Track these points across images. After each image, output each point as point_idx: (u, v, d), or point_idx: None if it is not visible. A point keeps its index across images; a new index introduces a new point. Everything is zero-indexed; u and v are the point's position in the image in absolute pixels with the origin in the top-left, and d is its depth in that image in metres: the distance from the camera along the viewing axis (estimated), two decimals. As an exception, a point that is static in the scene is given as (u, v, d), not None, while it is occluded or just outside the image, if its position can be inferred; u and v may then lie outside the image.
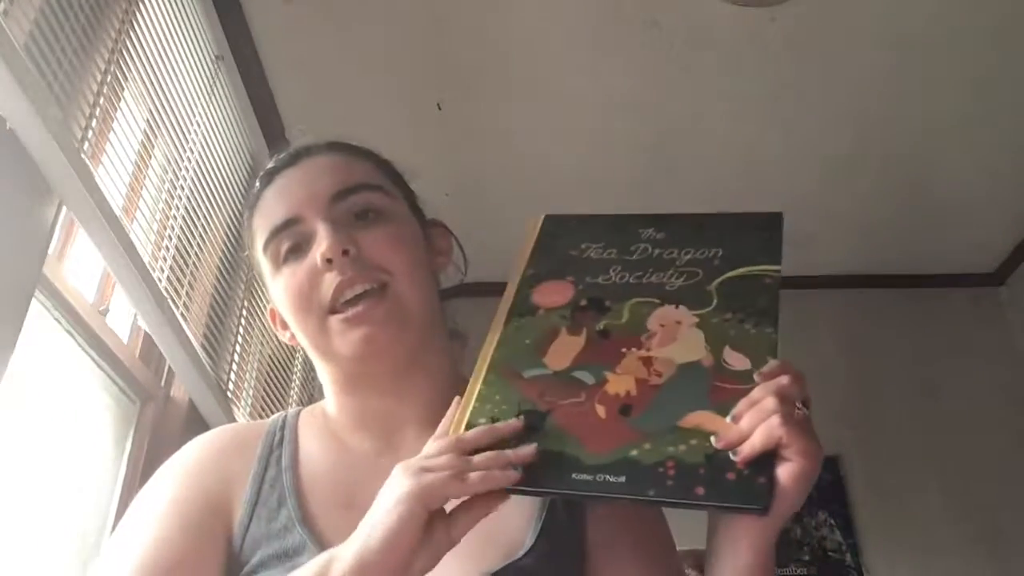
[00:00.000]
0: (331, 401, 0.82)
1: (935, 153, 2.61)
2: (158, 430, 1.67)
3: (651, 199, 2.72)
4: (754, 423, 0.57)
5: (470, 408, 0.66)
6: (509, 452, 0.60)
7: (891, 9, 2.13)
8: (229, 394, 1.84)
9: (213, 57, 1.95)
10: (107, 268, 1.43)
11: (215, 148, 1.89)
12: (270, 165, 0.83)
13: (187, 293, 1.65)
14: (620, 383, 0.64)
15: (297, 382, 2.35)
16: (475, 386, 0.68)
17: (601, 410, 0.63)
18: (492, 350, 0.70)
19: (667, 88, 2.34)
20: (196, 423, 1.72)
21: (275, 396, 2.15)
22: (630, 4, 2.10)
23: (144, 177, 1.62)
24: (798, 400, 0.59)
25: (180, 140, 1.70)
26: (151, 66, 1.56)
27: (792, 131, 2.50)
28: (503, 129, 2.47)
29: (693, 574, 1.89)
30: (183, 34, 1.75)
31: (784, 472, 0.56)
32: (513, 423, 0.63)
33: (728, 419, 0.59)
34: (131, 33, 1.48)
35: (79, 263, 1.48)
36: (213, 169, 1.87)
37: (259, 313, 2.09)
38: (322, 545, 0.67)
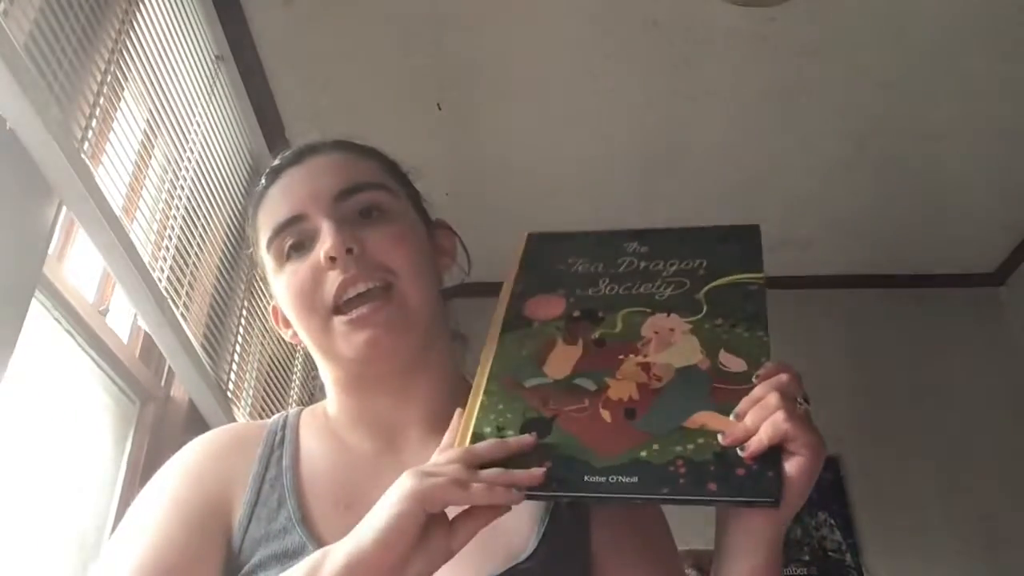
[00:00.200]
0: (332, 401, 0.81)
1: (935, 153, 2.61)
2: (158, 430, 1.67)
3: (651, 199, 2.74)
4: (758, 420, 0.59)
5: (474, 419, 0.66)
6: (518, 473, 0.60)
7: (891, 9, 2.13)
8: (229, 394, 1.84)
9: (213, 57, 1.95)
10: (107, 268, 1.43)
11: (215, 148, 1.89)
12: (275, 163, 0.83)
13: (187, 293, 1.65)
14: (622, 388, 0.65)
15: (297, 382, 2.35)
16: (476, 398, 0.68)
17: (606, 415, 0.64)
18: (490, 363, 0.70)
19: (667, 88, 2.34)
20: (196, 423, 1.72)
21: (275, 396, 2.15)
22: (630, 4, 2.10)
23: (144, 177, 1.62)
24: (798, 396, 0.60)
25: (180, 140, 1.70)
26: (151, 66, 1.56)
27: (792, 131, 2.50)
28: (503, 129, 2.47)
29: (693, 574, 1.89)
30: (183, 34, 1.75)
31: (792, 465, 0.58)
32: (525, 439, 0.63)
33: (731, 417, 0.60)
34: (131, 33, 1.48)
35: (79, 263, 1.48)
36: (213, 169, 1.87)
37: (259, 313, 2.09)
38: (321, 546, 0.67)
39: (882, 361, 3.02)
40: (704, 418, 0.61)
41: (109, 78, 1.39)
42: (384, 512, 0.58)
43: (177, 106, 1.69)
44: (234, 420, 1.81)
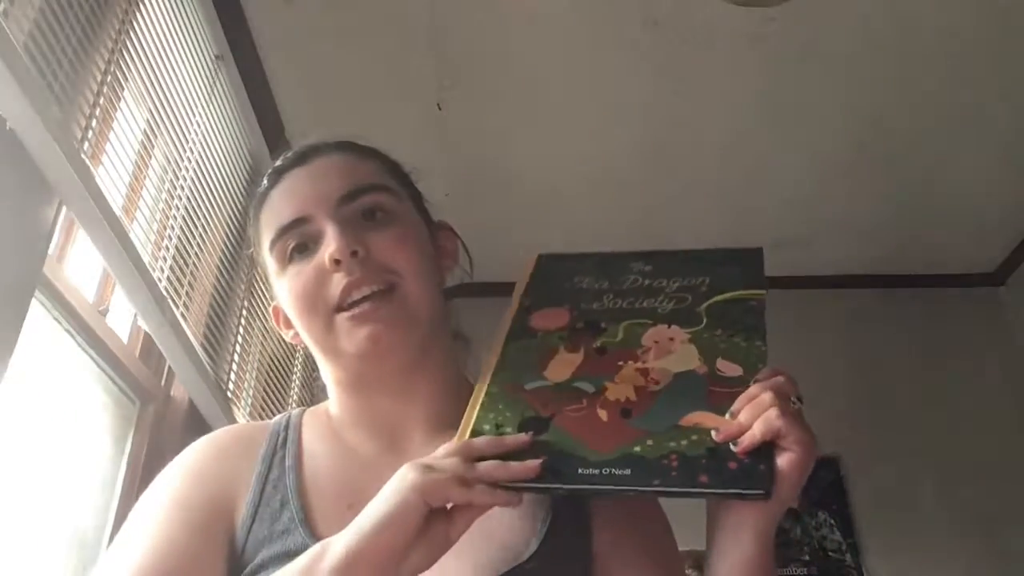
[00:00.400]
0: (335, 401, 0.82)
1: (935, 153, 2.61)
2: (158, 430, 1.67)
3: (651, 199, 2.74)
4: (752, 416, 0.60)
5: (474, 417, 0.67)
6: (514, 465, 0.61)
7: (891, 10, 2.13)
8: (229, 394, 1.84)
9: (213, 57, 1.95)
10: (107, 268, 1.43)
11: (215, 148, 1.89)
12: (277, 163, 0.83)
13: (187, 293, 1.65)
14: (619, 390, 0.67)
15: (297, 382, 2.35)
16: (478, 398, 0.69)
17: (603, 414, 0.65)
18: (492, 368, 0.72)
19: (667, 88, 2.34)
20: (196, 423, 1.72)
21: (275, 396, 2.15)
22: (630, 4, 2.10)
23: (144, 177, 1.62)
24: (792, 396, 0.62)
25: (180, 140, 1.70)
26: (151, 66, 1.56)
27: (792, 131, 2.50)
28: (503, 129, 2.47)
29: (693, 574, 1.89)
30: (183, 34, 1.75)
31: (784, 460, 0.59)
32: (521, 437, 0.64)
33: (727, 416, 0.62)
34: (131, 33, 1.48)
35: (79, 263, 1.48)
36: (213, 169, 1.87)
37: (259, 313, 2.09)
38: (324, 546, 0.67)
39: (882, 361, 3.02)
40: (699, 417, 0.63)
41: (109, 78, 1.39)
42: (386, 502, 0.58)
43: (177, 106, 1.69)
44: (234, 420, 1.81)
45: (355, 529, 0.59)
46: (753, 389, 0.62)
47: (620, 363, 0.69)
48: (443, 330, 0.81)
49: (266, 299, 2.08)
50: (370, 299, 0.73)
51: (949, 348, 3.03)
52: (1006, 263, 3.09)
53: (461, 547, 0.61)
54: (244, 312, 2.02)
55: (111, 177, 1.37)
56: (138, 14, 1.53)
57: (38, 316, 1.31)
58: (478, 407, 0.68)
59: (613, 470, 0.60)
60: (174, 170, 1.68)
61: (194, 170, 1.75)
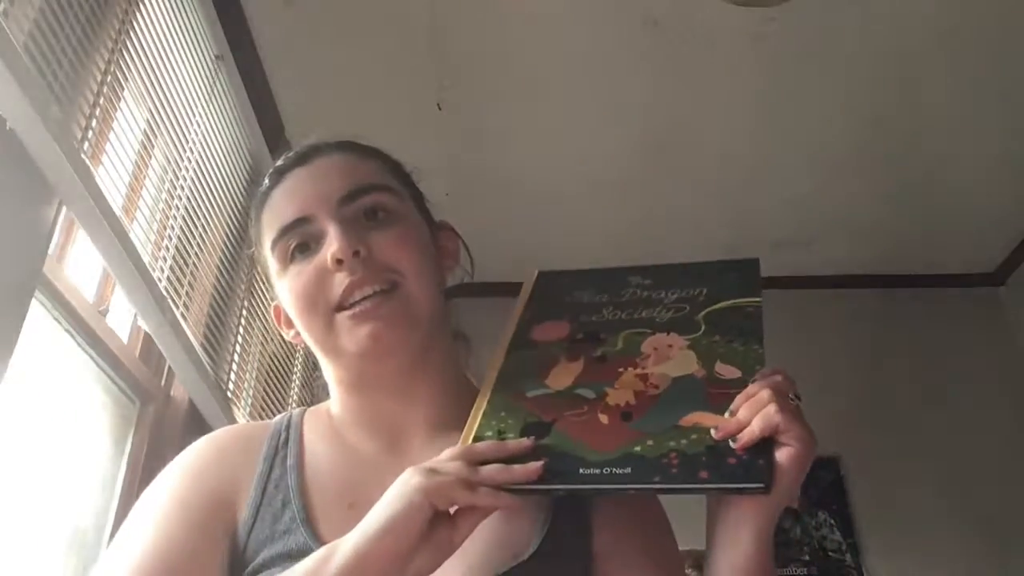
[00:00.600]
0: (336, 401, 0.82)
1: (935, 153, 2.61)
2: (158, 430, 1.67)
3: (651, 199, 2.74)
4: (751, 413, 0.61)
5: (477, 423, 0.69)
6: (516, 468, 0.62)
7: (890, 9, 2.13)
8: (229, 394, 1.84)
9: (213, 57, 1.95)
10: (107, 268, 1.43)
11: (215, 148, 1.89)
12: (279, 163, 0.83)
13: (187, 293, 1.65)
14: (620, 395, 0.68)
15: (297, 382, 2.35)
16: (480, 406, 0.71)
17: (604, 418, 0.66)
18: (494, 378, 0.73)
19: (667, 88, 2.34)
20: (196, 423, 1.72)
21: (275, 396, 2.15)
22: (630, 4, 2.10)
23: (144, 177, 1.62)
24: (790, 393, 0.63)
25: (180, 140, 1.70)
26: (151, 66, 1.56)
27: (792, 131, 2.50)
28: (503, 129, 2.47)
29: (693, 574, 1.89)
30: (183, 34, 1.75)
31: (783, 455, 0.60)
32: (524, 442, 0.65)
33: (726, 414, 0.63)
34: (131, 33, 1.48)
35: (79, 263, 1.48)
36: (213, 169, 1.87)
37: (259, 313, 2.09)
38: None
39: (882, 361, 3.02)
40: (699, 417, 0.64)
41: (109, 78, 1.39)
42: (391, 506, 0.59)
43: (177, 106, 1.68)
44: (234, 420, 1.81)
45: (361, 532, 0.59)
46: (751, 387, 0.63)
47: (620, 370, 0.70)
48: (444, 330, 0.82)
49: (266, 299, 2.08)
50: (371, 298, 0.73)
51: (949, 348, 3.03)
52: (1006, 263, 3.09)
53: (462, 546, 0.62)
54: (244, 312, 2.02)
55: (111, 177, 1.37)
56: (138, 14, 1.52)
57: (38, 316, 1.31)
58: (480, 415, 0.69)
59: (614, 469, 0.61)
60: (174, 170, 1.68)
61: (194, 170, 1.75)
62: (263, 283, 1.96)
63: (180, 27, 1.74)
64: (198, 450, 0.78)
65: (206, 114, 1.85)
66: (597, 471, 0.61)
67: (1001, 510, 2.72)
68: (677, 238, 2.54)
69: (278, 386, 2.19)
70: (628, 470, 0.61)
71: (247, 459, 0.77)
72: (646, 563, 0.74)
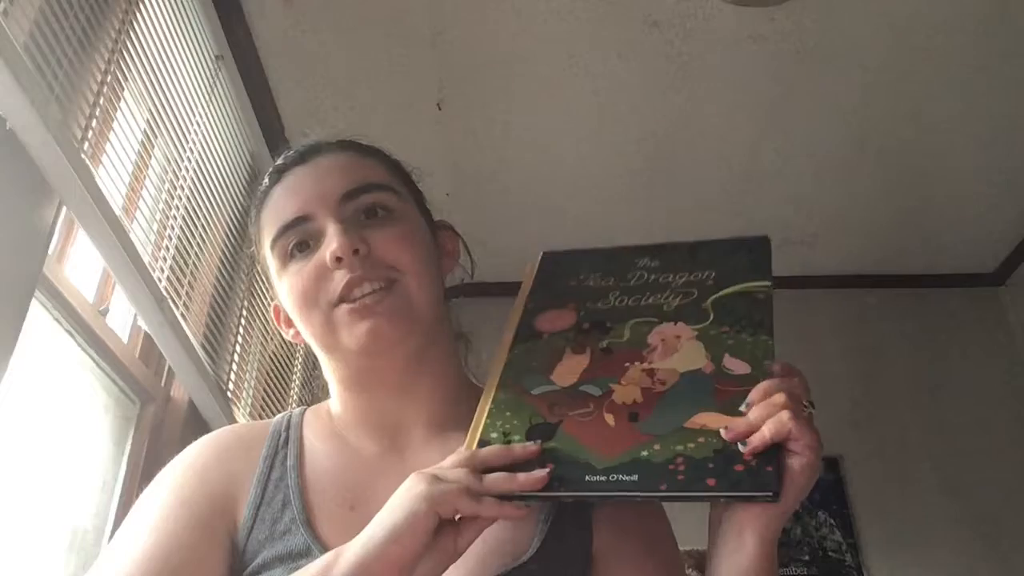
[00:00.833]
0: (336, 400, 0.82)
1: (935, 153, 2.61)
2: (158, 430, 1.67)
3: (651, 199, 2.74)
4: (763, 416, 0.60)
5: (482, 425, 0.68)
6: (522, 476, 0.61)
7: (890, 9, 2.13)
8: (229, 394, 1.84)
9: (213, 57, 1.95)
10: (107, 268, 1.43)
11: (215, 148, 1.89)
12: (279, 162, 0.83)
13: (187, 293, 1.65)
14: (626, 392, 0.67)
15: (297, 382, 2.35)
16: (485, 405, 0.69)
17: (610, 418, 0.65)
18: (499, 373, 0.72)
19: (667, 88, 2.34)
20: (196, 423, 1.72)
21: (275, 396, 2.15)
22: (630, 4, 2.10)
23: (144, 177, 1.62)
24: (805, 399, 0.61)
25: (180, 140, 1.70)
26: (151, 66, 1.56)
27: (792, 131, 2.50)
28: (503, 129, 2.47)
29: (693, 574, 1.88)
30: (183, 34, 1.75)
31: (793, 463, 0.59)
32: (529, 447, 0.64)
33: (743, 407, 0.61)
34: (131, 33, 1.48)
35: (79, 263, 1.48)
36: (213, 169, 1.87)
37: (259, 313, 2.09)
38: (325, 547, 0.67)
39: (882, 361, 3.02)
40: (706, 418, 0.62)
41: (109, 78, 1.39)
42: (396, 513, 0.59)
43: (177, 106, 1.68)
44: (234, 420, 1.81)
45: (365, 539, 0.59)
46: (768, 385, 0.62)
47: (626, 364, 0.69)
48: (444, 329, 0.81)
49: (266, 299, 2.08)
50: (371, 295, 0.73)
51: (949, 348, 3.03)
52: (1006, 263, 3.09)
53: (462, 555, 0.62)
54: (244, 312, 2.02)
55: (111, 177, 1.37)
56: (138, 14, 1.52)
57: (38, 316, 1.31)
58: (485, 415, 0.68)
59: (620, 476, 0.60)
60: (174, 170, 1.68)
61: (194, 170, 1.75)
62: (263, 283, 1.96)
63: (180, 27, 1.74)
64: (199, 449, 0.78)
65: (206, 114, 1.85)
66: (603, 478, 0.60)
67: (1001, 510, 2.72)
68: (677, 237, 2.53)
69: (278, 386, 2.19)
70: (635, 477, 0.60)
71: (248, 459, 0.77)
72: (646, 563, 0.74)
